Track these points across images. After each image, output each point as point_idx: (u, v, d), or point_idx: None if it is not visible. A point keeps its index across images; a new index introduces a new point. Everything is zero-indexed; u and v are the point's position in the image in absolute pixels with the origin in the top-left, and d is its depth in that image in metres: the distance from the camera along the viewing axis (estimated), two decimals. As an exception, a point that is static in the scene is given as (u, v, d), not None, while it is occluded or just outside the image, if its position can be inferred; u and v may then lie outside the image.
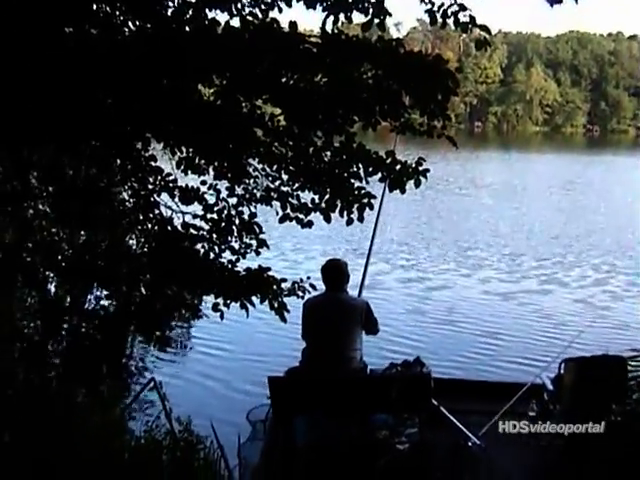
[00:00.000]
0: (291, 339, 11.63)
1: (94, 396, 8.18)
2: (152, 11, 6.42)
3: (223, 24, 6.40)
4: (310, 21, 7.29)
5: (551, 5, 6.43)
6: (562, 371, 8.83)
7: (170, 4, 6.54)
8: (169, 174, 7.25)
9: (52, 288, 10.61)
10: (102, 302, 11.21)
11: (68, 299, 10.89)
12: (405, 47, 6.36)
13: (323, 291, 8.32)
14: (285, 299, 7.46)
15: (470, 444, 8.08)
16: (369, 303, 8.37)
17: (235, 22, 6.51)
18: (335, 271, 8.36)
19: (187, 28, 6.41)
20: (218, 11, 6.61)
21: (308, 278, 7.58)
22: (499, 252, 24.63)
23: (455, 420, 8.34)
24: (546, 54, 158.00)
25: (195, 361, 13.28)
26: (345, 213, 6.81)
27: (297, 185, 6.99)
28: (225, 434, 8.19)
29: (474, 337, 15.02)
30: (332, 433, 8.06)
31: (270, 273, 7.59)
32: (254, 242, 7.29)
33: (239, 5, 6.63)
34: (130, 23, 6.61)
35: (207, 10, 6.54)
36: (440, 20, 6.33)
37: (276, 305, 7.23)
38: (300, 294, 7.46)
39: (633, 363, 8.90)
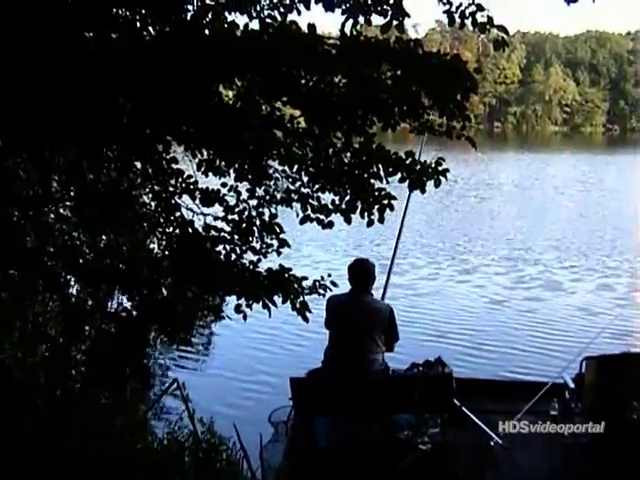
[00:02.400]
0: (313, 340, 11.71)
1: (117, 398, 8.24)
2: (172, 15, 6.45)
3: (242, 27, 6.43)
4: (329, 24, 7.30)
5: (568, 3, 6.46)
6: (583, 369, 8.83)
7: (190, 8, 6.57)
8: (190, 176, 7.27)
9: (74, 291, 10.67)
10: (124, 304, 11.28)
11: (90, 302, 10.95)
12: (423, 48, 6.38)
13: (348, 290, 8.35)
14: (307, 298, 7.43)
15: (492, 444, 8.09)
16: (393, 309, 8.38)
17: (254, 25, 6.55)
18: (362, 271, 8.38)
19: (207, 31, 6.44)
20: (237, 14, 6.64)
21: (329, 276, 7.57)
22: (513, 254, 24.58)
23: (477, 420, 8.34)
24: (565, 54, 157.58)
25: (218, 362, 13.34)
26: (366, 214, 6.81)
27: (317, 186, 7.00)
28: (247, 435, 8.23)
29: (489, 339, 14.99)
30: (354, 434, 8.08)
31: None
32: (275, 242, 7.30)
33: (258, 8, 6.66)
34: (150, 27, 6.64)
35: (226, 13, 6.57)
36: (458, 20, 6.35)
37: (298, 305, 7.22)
38: (321, 292, 7.45)
39: (655, 361, 8.89)
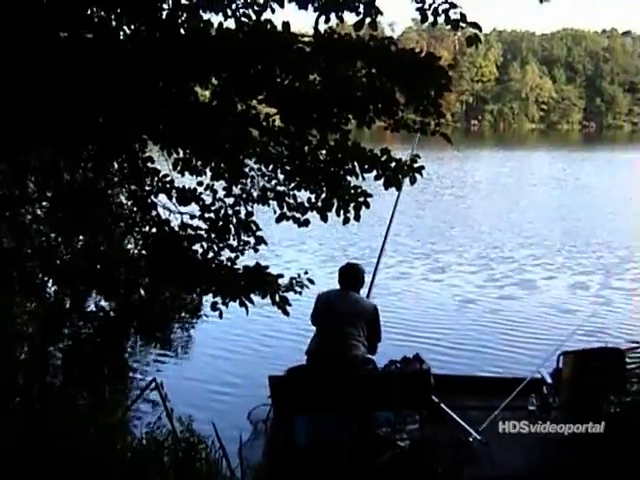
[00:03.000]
0: (292, 338, 11.71)
1: (96, 398, 8.20)
2: (147, 14, 6.45)
3: (217, 25, 6.44)
4: (302, 22, 7.35)
5: (540, 1, 6.52)
6: (560, 364, 8.87)
7: (164, 7, 6.56)
8: (166, 175, 7.27)
9: (51, 292, 10.63)
10: (102, 304, 11.24)
11: (68, 303, 10.91)
12: (398, 45, 6.40)
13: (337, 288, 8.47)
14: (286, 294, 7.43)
15: (471, 440, 8.12)
16: (378, 309, 8.43)
17: (229, 23, 6.56)
18: (351, 274, 8.50)
19: (182, 30, 6.44)
20: (212, 13, 6.65)
21: (306, 273, 7.57)
22: (487, 252, 24.50)
23: (455, 416, 8.37)
24: (541, 51, 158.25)
25: (196, 361, 13.29)
26: (342, 212, 6.83)
27: (293, 184, 7.01)
28: (226, 434, 8.21)
29: (465, 337, 14.99)
30: (333, 431, 8.09)
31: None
32: (252, 239, 7.31)
33: (233, 6, 6.67)
34: (125, 26, 6.64)
35: (201, 12, 6.58)
36: (431, 18, 6.36)
37: (277, 299, 7.22)
38: (298, 289, 7.45)
39: (631, 355, 8.96)
